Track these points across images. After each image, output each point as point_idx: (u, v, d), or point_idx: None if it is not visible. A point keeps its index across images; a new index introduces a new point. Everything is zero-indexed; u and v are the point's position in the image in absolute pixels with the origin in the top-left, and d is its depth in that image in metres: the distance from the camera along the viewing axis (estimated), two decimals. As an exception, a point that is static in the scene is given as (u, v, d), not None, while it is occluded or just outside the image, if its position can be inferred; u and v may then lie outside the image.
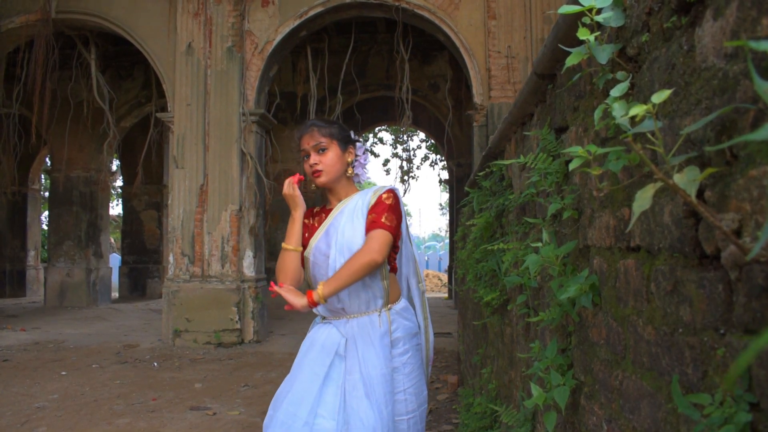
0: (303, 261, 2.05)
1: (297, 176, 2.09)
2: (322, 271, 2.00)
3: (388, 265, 2.02)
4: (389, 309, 2.00)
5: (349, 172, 2.10)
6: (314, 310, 2.01)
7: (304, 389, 1.92)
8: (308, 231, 2.08)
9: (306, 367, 1.97)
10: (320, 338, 2.00)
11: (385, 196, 1.99)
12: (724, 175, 0.66)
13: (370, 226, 1.92)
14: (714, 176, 0.68)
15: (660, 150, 0.69)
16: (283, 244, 2.04)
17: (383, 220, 1.92)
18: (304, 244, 2.05)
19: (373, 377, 1.89)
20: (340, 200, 2.07)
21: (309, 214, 2.13)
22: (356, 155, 2.13)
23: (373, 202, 1.99)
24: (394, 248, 2.02)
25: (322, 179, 2.03)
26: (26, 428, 4.01)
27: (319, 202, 2.19)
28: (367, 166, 2.19)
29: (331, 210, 2.07)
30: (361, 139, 2.21)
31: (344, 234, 1.97)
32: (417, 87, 10.98)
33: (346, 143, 2.08)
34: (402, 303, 2.07)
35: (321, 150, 2.03)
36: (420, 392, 2.05)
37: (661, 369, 0.84)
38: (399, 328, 2.01)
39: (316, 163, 2.02)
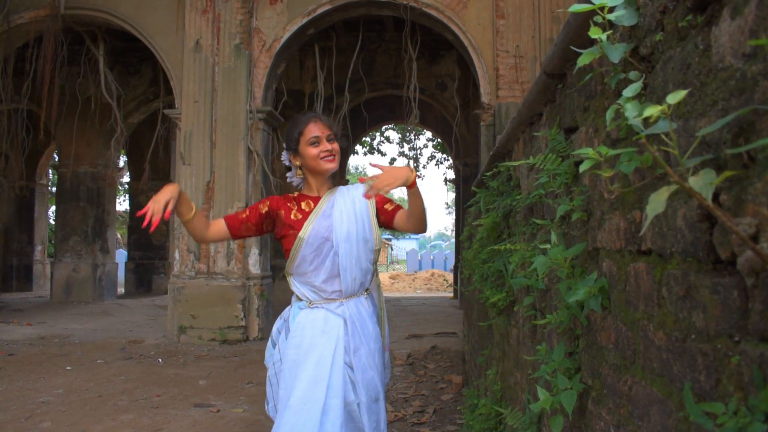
0: (293, 240, 2.13)
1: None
2: (318, 252, 2.11)
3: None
4: (368, 293, 2.21)
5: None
6: (300, 294, 2.17)
7: (317, 374, 2.00)
8: (297, 214, 2.18)
9: (314, 352, 2.04)
10: (318, 324, 2.09)
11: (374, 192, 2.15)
12: (741, 179, 0.64)
13: (396, 210, 2.22)
14: (730, 179, 0.66)
15: (675, 152, 0.67)
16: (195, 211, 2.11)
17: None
18: (292, 225, 2.15)
19: (374, 350, 2.10)
20: (327, 189, 2.24)
21: (288, 199, 2.24)
22: None
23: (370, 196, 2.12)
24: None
25: (334, 164, 2.18)
26: (30, 423, 4.02)
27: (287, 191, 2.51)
28: None
29: (318, 198, 2.21)
30: None
31: (349, 219, 2.13)
32: (424, 86, 10.95)
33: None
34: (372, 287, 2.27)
35: (330, 139, 2.18)
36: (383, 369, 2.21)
37: (672, 375, 0.82)
38: (373, 310, 2.22)
39: (329, 150, 2.16)
